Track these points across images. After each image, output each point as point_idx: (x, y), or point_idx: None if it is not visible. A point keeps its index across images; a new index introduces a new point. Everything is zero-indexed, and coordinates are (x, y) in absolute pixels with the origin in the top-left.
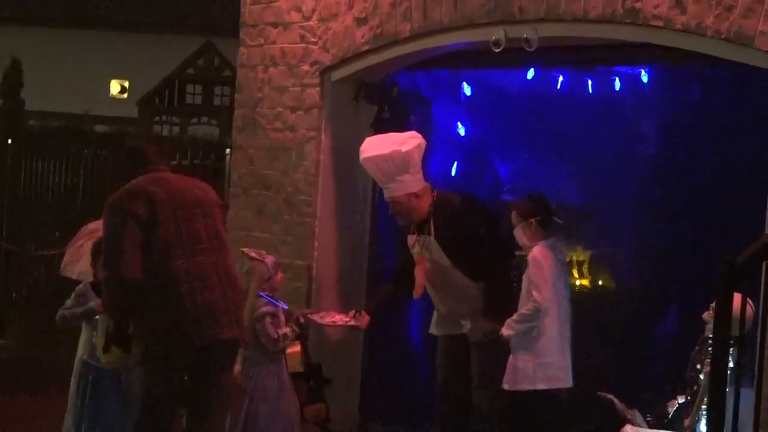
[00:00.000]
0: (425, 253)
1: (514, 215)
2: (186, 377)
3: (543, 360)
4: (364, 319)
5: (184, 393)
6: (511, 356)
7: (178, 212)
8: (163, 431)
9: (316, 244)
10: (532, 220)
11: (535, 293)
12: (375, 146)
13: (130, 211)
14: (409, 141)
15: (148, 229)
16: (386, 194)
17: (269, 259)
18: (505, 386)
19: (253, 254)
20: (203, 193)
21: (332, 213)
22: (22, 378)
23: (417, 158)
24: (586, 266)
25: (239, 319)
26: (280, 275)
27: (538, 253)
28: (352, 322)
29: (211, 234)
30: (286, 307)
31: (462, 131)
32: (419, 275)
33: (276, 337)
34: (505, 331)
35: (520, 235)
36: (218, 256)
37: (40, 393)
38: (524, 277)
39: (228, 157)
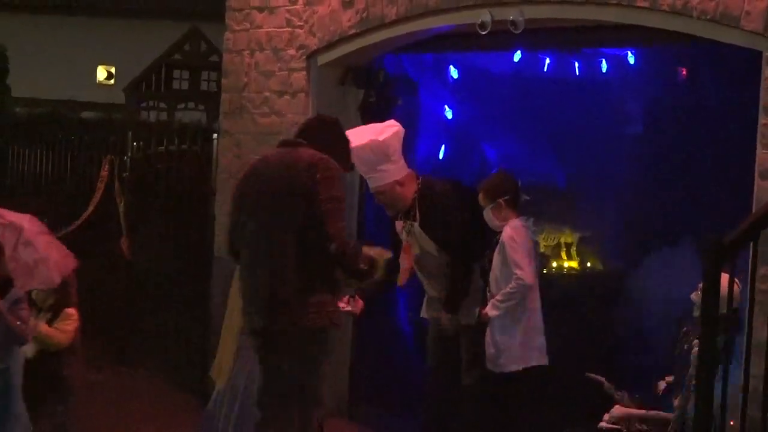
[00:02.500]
0: (411, 239)
1: (481, 197)
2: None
3: (530, 337)
4: (358, 304)
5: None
6: (491, 336)
7: (246, 201)
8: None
9: None
10: (500, 200)
11: (518, 271)
12: (354, 138)
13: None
14: (387, 130)
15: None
16: (370, 184)
17: None
18: (490, 367)
19: None
20: (282, 181)
21: None
22: None
23: (396, 146)
24: (574, 248)
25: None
26: None
27: (512, 230)
28: (348, 308)
29: (272, 224)
30: None
31: (449, 114)
32: (405, 261)
33: None
34: (491, 311)
35: (489, 216)
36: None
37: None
38: (495, 258)
39: (215, 142)
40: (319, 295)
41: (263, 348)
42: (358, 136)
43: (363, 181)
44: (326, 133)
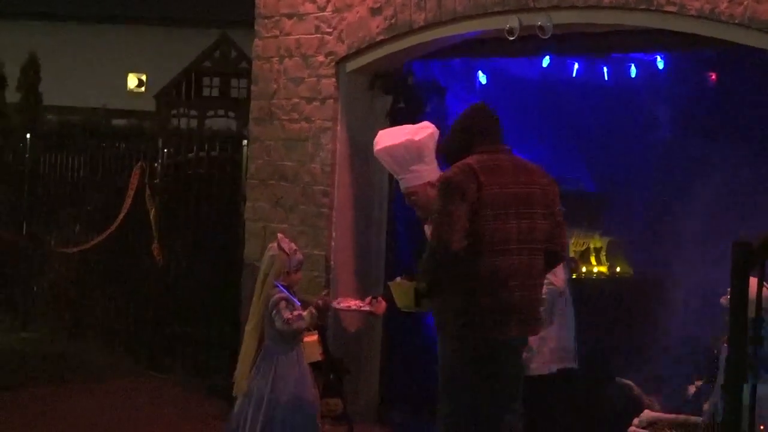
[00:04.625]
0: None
1: None
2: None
3: (560, 341)
4: (381, 305)
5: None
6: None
7: (498, 210)
8: (462, 417)
9: (333, 234)
10: None
11: (550, 276)
12: (388, 137)
13: (463, 191)
14: (422, 130)
15: (473, 216)
16: (402, 185)
17: (297, 257)
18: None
19: (284, 245)
20: (529, 190)
21: (349, 203)
22: (46, 372)
23: (431, 147)
24: (604, 253)
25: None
26: (299, 275)
27: None
28: (368, 308)
29: (522, 235)
30: (299, 303)
31: None
32: None
33: (289, 317)
34: None
35: None
36: (525, 258)
37: (64, 386)
38: None
39: (245, 148)
40: None
41: (516, 358)
42: (393, 135)
43: (392, 181)
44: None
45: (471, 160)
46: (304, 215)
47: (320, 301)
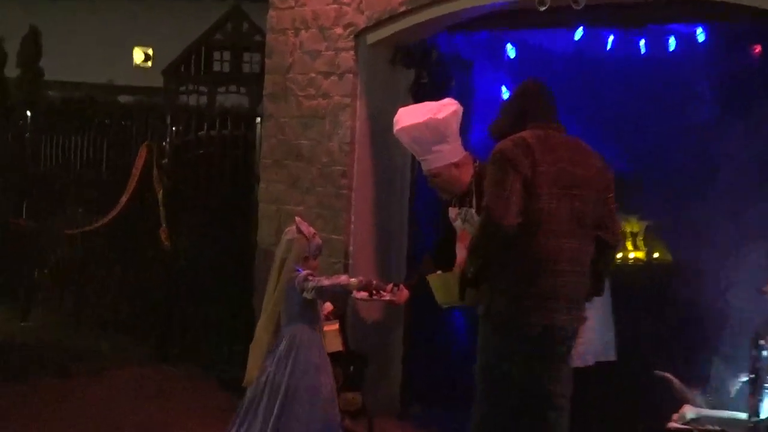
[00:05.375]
0: (467, 226)
1: None
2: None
3: (598, 332)
4: (402, 294)
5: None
6: None
7: (552, 188)
8: (502, 415)
9: (352, 217)
10: None
11: None
12: (409, 116)
13: (517, 165)
14: (445, 108)
15: (526, 192)
16: (424, 167)
17: (316, 242)
18: None
19: (303, 228)
20: (583, 171)
21: (369, 184)
22: (49, 363)
23: (454, 126)
24: (641, 237)
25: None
26: (317, 262)
27: None
28: (389, 297)
29: (574, 217)
30: None
31: (506, 95)
32: (461, 251)
33: (329, 281)
34: None
35: None
36: (575, 241)
37: (67, 378)
38: None
39: (258, 126)
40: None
41: (565, 350)
42: (414, 114)
43: (414, 162)
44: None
45: (525, 134)
46: (321, 197)
47: (362, 278)
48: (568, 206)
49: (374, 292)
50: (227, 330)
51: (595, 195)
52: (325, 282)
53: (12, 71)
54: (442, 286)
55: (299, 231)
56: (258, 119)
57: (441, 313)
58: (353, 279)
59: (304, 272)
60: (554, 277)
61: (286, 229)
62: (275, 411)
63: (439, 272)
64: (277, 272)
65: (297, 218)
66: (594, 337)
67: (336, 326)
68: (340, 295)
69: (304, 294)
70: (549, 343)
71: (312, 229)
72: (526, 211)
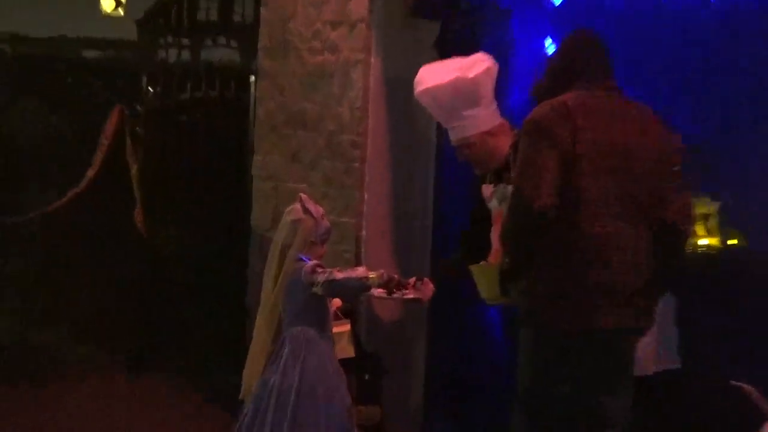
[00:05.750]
0: (505, 206)
1: None
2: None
3: (659, 335)
4: (427, 289)
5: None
6: None
7: (599, 162)
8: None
9: (366, 196)
10: None
11: None
12: (433, 75)
13: (553, 135)
14: (477, 65)
15: (565, 168)
16: (452, 136)
17: (325, 224)
18: None
19: (310, 207)
20: (640, 140)
21: (386, 157)
22: (15, 370)
23: (488, 87)
24: (714, 221)
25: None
26: (325, 249)
27: None
28: (411, 294)
29: (628, 196)
30: None
31: (551, 50)
32: (497, 236)
33: (342, 273)
34: None
35: None
36: (630, 226)
37: (37, 388)
38: None
39: (252, 87)
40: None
41: (626, 357)
42: (439, 72)
43: (441, 130)
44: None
45: (566, 97)
46: (328, 172)
47: (384, 272)
48: (619, 183)
49: (395, 290)
50: (217, 332)
51: (656, 169)
52: (338, 275)
53: None
54: (489, 279)
55: (305, 210)
56: (252, 79)
57: (472, 312)
58: (372, 273)
59: (312, 262)
60: (604, 271)
61: (288, 209)
62: (286, 422)
63: (483, 262)
64: (277, 262)
65: (302, 195)
66: (654, 340)
67: (347, 327)
68: (355, 292)
69: (313, 289)
70: (601, 350)
71: (321, 209)
72: (566, 190)
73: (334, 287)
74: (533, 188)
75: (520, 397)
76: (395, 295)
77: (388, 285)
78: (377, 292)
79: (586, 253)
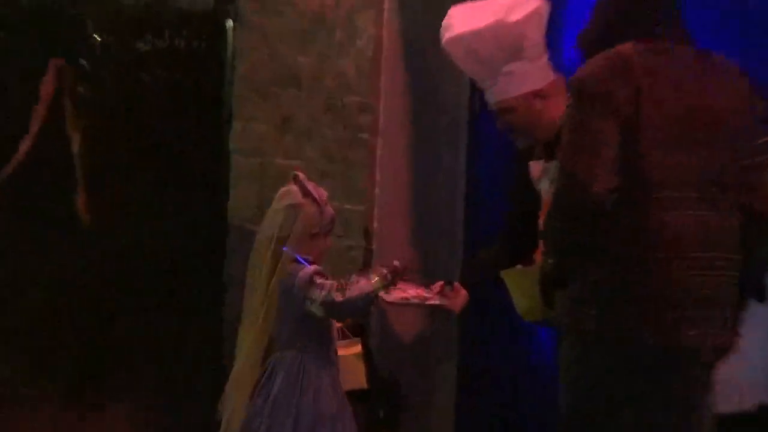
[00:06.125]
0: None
1: None
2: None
3: (745, 364)
4: (458, 296)
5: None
6: None
7: (669, 132)
8: None
9: (378, 176)
10: None
11: None
12: (466, 18)
13: (609, 99)
14: (521, 6)
15: (626, 140)
16: (492, 99)
17: (329, 211)
18: None
19: (311, 189)
20: (721, 103)
21: (404, 125)
22: None
23: (537, 34)
24: None
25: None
26: (329, 242)
27: None
28: (437, 300)
29: (707, 176)
30: None
31: None
32: None
33: (339, 288)
34: None
35: None
36: (712, 214)
37: None
38: None
39: (230, 36)
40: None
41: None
42: (474, 15)
43: (475, 91)
44: None
45: (625, 48)
46: (328, 145)
47: (397, 263)
48: (696, 160)
49: (400, 280)
50: (186, 352)
51: (742, 141)
52: (338, 297)
53: None
54: (520, 285)
55: (305, 193)
56: (229, 24)
57: (513, 327)
58: (375, 276)
59: (311, 268)
60: (677, 270)
61: (282, 191)
62: None
63: (519, 266)
64: (269, 260)
65: (299, 174)
66: (749, 369)
67: (357, 348)
68: (362, 312)
69: (309, 306)
70: (673, 374)
71: (324, 192)
72: (626, 168)
73: (334, 311)
74: (587, 168)
75: (564, 422)
76: (414, 301)
77: (394, 277)
78: (391, 297)
79: (656, 250)
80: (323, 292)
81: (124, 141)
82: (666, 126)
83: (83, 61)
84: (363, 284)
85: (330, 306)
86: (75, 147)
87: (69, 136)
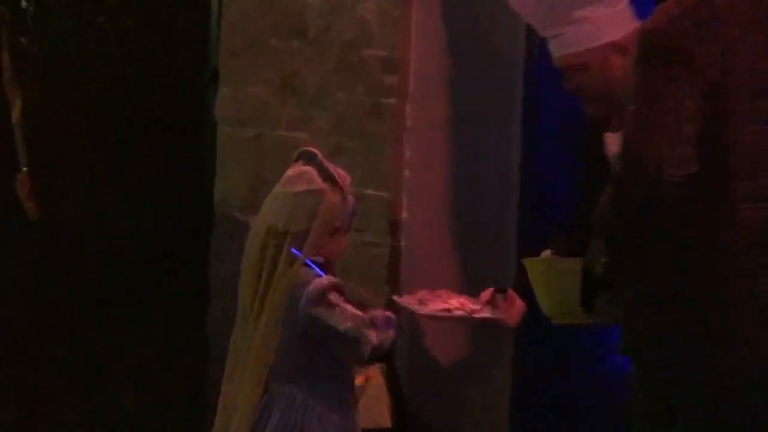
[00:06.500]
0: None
1: None
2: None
3: None
4: (514, 307)
5: None
6: None
7: (763, 102)
8: None
9: (407, 153)
10: None
11: None
12: None
13: (687, 56)
14: None
15: (709, 111)
16: (557, 52)
17: (351, 202)
18: None
19: (333, 171)
20: None
21: (440, 90)
22: None
23: None
24: None
25: None
26: (347, 239)
27: None
28: (486, 313)
29: None
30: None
31: None
32: None
33: (359, 322)
34: None
35: None
36: None
37: None
38: None
39: None
40: None
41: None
42: None
43: (531, 47)
44: None
45: None
46: (342, 111)
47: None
48: None
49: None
50: (160, 374)
51: None
52: (372, 337)
53: None
54: (548, 280)
55: (327, 176)
56: None
57: (586, 346)
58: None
59: (325, 279)
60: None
61: (293, 171)
62: None
63: (548, 252)
64: (267, 263)
65: (315, 151)
66: None
67: (377, 376)
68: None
69: (316, 329)
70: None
71: (346, 174)
72: (710, 146)
73: (359, 351)
74: (657, 146)
75: None
76: (456, 314)
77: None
78: (427, 309)
79: (747, 245)
80: (347, 324)
81: (79, 108)
82: (759, 95)
83: (26, 3)
84: (387, 317)
85: (356, 344)
86: (15, 115)
87: (9, 101)
